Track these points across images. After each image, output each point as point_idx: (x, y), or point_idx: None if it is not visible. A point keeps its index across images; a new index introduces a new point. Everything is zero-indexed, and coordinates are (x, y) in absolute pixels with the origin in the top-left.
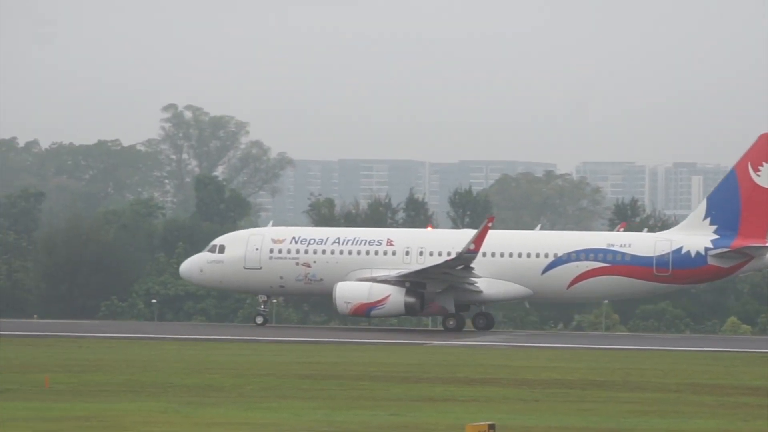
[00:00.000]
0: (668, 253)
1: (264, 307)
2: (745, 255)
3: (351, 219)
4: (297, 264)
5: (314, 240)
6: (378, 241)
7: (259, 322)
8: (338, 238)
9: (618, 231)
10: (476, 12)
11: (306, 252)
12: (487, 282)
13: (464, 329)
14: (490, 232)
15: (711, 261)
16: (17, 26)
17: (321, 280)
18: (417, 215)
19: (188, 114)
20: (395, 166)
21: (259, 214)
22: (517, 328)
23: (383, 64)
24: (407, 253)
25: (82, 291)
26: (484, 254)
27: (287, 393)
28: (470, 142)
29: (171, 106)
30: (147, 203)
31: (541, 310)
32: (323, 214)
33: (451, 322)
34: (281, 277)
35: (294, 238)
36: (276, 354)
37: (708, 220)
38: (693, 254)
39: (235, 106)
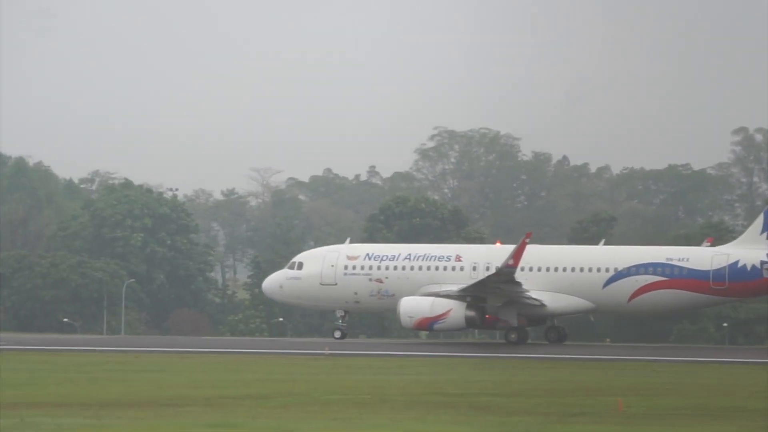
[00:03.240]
0: (725, 267)
1: (342, 322)
2: None
3: None
4: (370, 280)
5: (386, 256)
6: (447, 257)
7: (338, 337)
8: (409, 255)
9: (705, 245)
10: None
11: (378, 268)
12: (550, 296)
13: (529, 342)
14: (554, 247)
15: (766, 274)
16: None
17: (393, 295)
18: None
19: (759, 137)
20: None
21: None
22: None
23: None
24: (474, 268)
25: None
26: (548, 269)
27: None
28: None
29: (741, 129)
30: (717, 227)
31: None
32: None
33: (512, 336)
34: (356, 293)
35: (367, 254)
36: None
37: (765, 234)
38: (749, 267)
39: None
